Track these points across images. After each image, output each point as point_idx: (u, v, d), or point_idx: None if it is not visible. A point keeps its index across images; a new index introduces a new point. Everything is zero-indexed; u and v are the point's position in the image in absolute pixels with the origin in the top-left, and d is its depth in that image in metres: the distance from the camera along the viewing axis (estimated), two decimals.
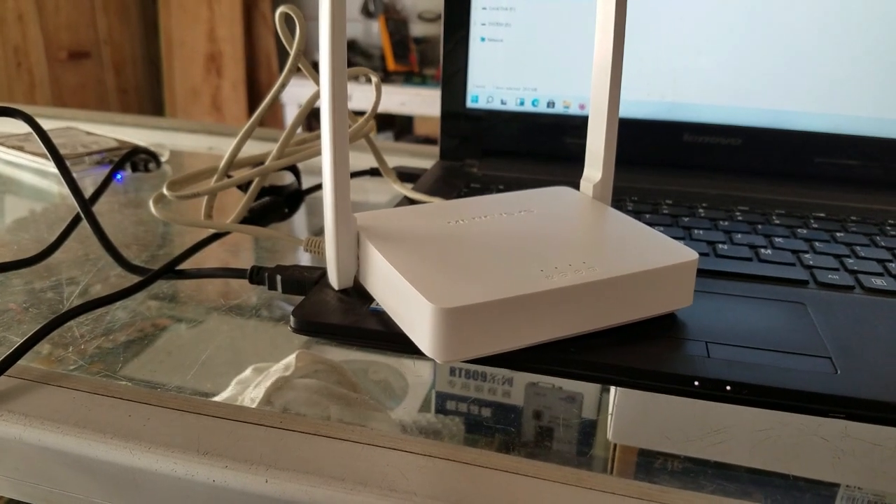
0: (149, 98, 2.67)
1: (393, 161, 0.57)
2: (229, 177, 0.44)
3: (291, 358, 0.35)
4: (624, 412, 0.30)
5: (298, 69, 0.40)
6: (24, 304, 0.37)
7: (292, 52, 0.38)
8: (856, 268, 0.37)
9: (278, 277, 0.35)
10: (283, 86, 0.39)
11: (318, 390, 0.35)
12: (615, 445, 0.28)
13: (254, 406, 0.32)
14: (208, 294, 0.40)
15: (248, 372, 0.36)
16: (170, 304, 0.38)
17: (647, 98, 0.52)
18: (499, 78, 0.53)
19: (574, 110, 0.53)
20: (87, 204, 0.39)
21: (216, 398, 0.31)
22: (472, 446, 0.27)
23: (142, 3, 2.59)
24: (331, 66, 0.28)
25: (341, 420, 0.30)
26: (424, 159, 0.64)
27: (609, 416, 0.30)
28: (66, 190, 0.41)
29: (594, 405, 0.31)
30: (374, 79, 0.42)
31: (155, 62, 2.64)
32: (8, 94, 2.13)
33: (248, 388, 0.35)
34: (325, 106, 0.29)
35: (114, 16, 2.48)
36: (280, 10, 0.37)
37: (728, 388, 0.27)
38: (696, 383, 0.27)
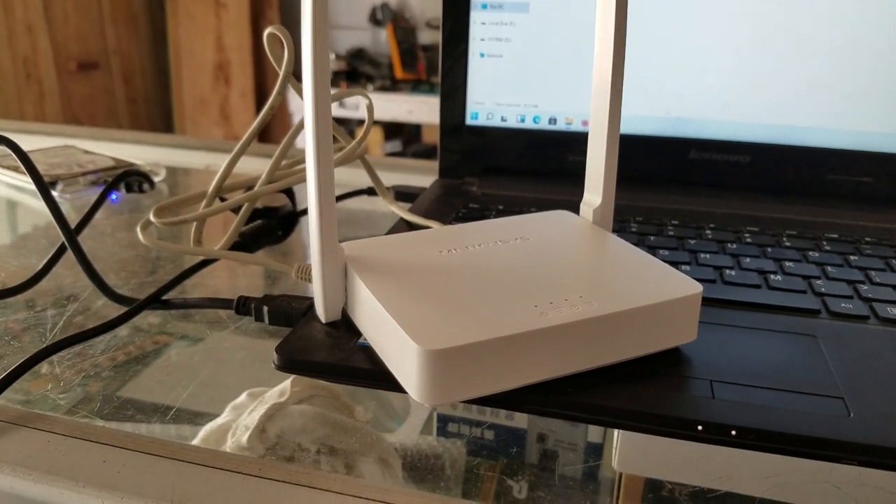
0: (158, 108, 2.68)
1: (393, 178, 0.56)
2: (223, 199, 0.43)
3: (287, 383, 0.34)
4: (626, 458, 0.29)
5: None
6: (6, 335, 0.36)
7: (281, 75, 0.37)
8: (870, 295, 0.35)
9: (265, 309, 0.34)
10: (273, 108, 0.38)
11: (313, 417, 0.34)
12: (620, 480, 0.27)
13: (247, 434, 0.31)
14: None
15: (242, 397, 0.34)
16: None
17: (651, 113, 0.50)
18: (499, 94, 0.52)
19: (576, 127, 0.52)
20: (71, 233, 0.38)
21: (210, 424, 0.30)
22: (474, 473, 0.26)
23: (150, 13, 2.60)
24: (314, 99, 0.26)
25: (335, 449, 0.29)
26: (424, 175, 0.63)
27: (613, 460, 0.28)
28: None
29: (599, 447, 0.29)
30: (366, 101, 0.40)
31: (164, 72, 2.65)
32: (18, 105, 2.14)
33: (242, 415, 0.34)
34: (309, 135, 0.27)
35: (122, 26, 2.49)
36: (267, 31, 0.36)
37: (733, 432, 0.25)
38: (700, 428, 0.26)
